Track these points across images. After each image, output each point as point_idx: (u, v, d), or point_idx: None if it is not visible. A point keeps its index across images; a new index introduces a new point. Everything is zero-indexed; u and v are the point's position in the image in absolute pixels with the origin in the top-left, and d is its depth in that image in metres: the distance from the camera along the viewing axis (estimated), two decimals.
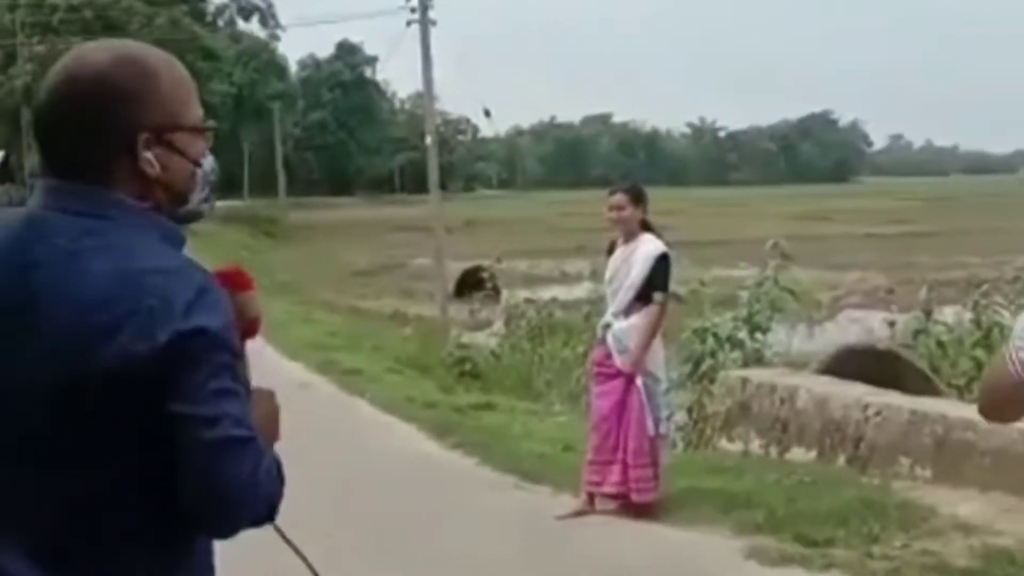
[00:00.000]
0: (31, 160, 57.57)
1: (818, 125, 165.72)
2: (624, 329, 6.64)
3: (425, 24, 26.86)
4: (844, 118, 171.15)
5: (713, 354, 11.57)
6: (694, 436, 9.90)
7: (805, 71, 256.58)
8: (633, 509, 6.65)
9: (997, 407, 2.05)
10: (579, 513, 6.77)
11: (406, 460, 8.62)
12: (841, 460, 7.48)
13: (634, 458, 6.58)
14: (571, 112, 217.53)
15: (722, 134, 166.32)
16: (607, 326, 6.78)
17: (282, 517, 6.56)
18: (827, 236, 47.01)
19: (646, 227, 6.76)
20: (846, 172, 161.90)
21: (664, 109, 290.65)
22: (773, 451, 8.16)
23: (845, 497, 6.43)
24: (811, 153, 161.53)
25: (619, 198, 6.69)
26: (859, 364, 9.39)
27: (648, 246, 6.65)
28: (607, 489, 6.69)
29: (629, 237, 6.72)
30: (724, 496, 6.85)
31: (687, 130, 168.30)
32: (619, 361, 6.64)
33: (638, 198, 6.72)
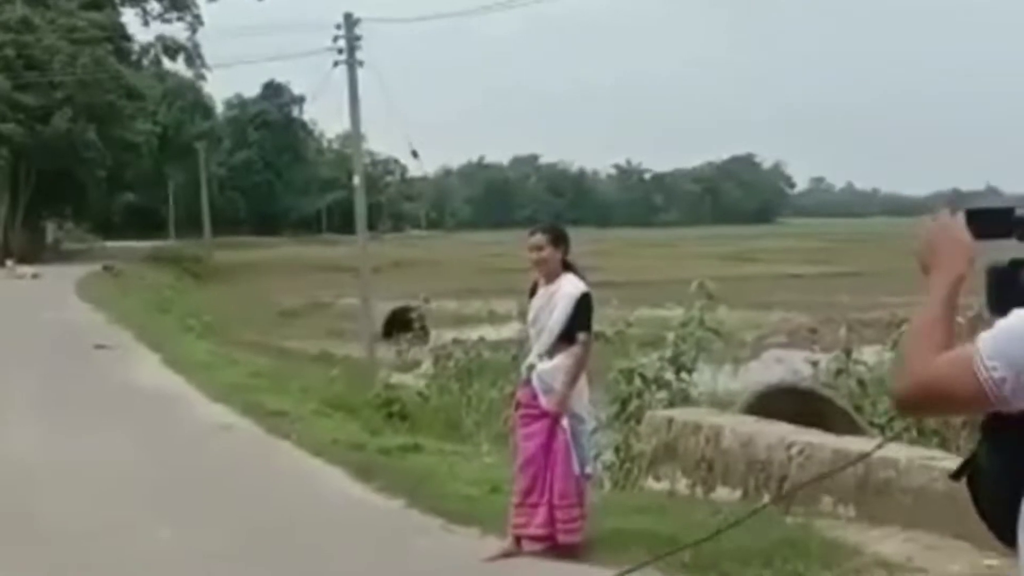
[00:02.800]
0: None
1: (741, 167, 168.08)
2: (548, 370, 6.65)
3: (352, 65, 26.92)
4: (767, 160, 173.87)
5: (640, 394, 11.64)
6: (621, 476, 9.93)
7: (728, 114, 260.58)
8: (560, 550, 6.63)
9: (933, 406, 2.09)
10: (506, 555, 6.74)
11: (332, 503, 8.53)
12: (765, 499, 7.53)
13: (560, 499, 6.57)
14: (500, 153, 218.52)
15: (647, 176, 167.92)
16: (531, 367, 6.78)
17: (202, 562, 6.49)
18: (751, 276, 47.65)
19: (567, 267, 6.79)
20: (769, 213, 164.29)
21: (591, 151, 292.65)
22: (699, 490, 8.21)
23: (770, 536, 6.47)
24: (735, 195, 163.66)
25: (538, 238, 6.72)
26: (783, 403, 9.49)
27: (569, 287, 6.67)
28: (533, 531, 6.67)
29: (551, 278, 6.74)
30: (650, 536, 6.86)
31: (613, 171, 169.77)
32: (544, 401, 6.64)
33: (557, 239, 6.74)
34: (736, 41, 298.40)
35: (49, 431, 11.66)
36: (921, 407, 2.10)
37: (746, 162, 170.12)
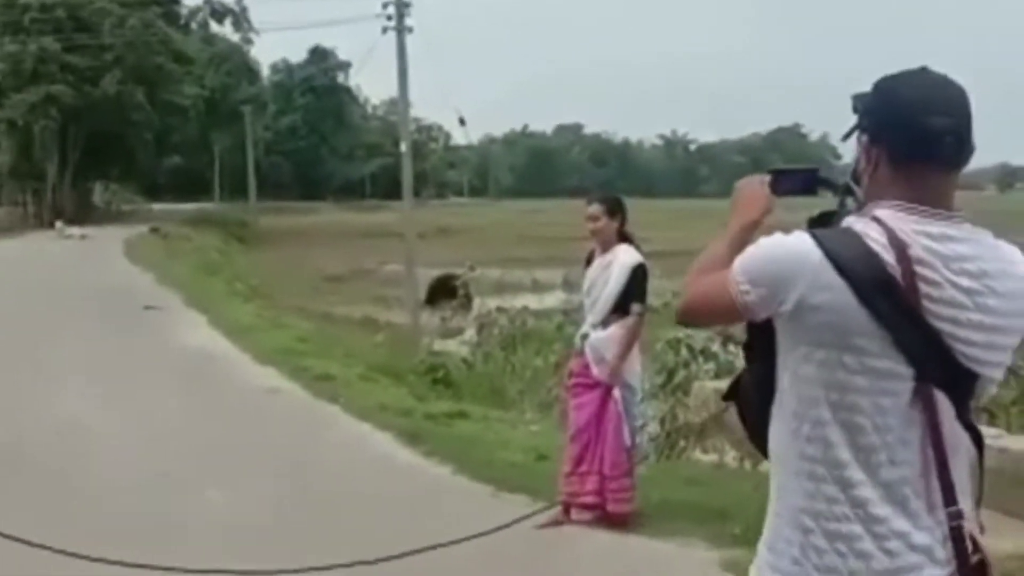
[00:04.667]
0: None
1: (788, 138, 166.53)
2: (602, 340, 6.64)
3: (401, 31, 26.86)
4: (814, 132, 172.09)
5: (687, 365, 11.61)
6: (666, 447, 9.92)
7: (775, 84, 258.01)
8: (609, 520, 6.65)
9: (703, 316, 2.51)
10: (556, 523, 6.76)
11: (381, 468, 8.59)
12: None
13: (611, 469, 6.58)
14: (544, 122, 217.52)
15: (693, 147, 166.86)
16: (585, 336, 6.77)
17: (255, 522, 6.53)
18: None
19: (624, 238, 6.75)
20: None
21: (636, 122, 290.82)
22: (748, 463, 8.18)
23: None
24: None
25: (594, 208, 6.69)
26: None
27: (625, 257, 6.64)
28: (584, 500, 6.68)
29: (606, 248, 6.72)
30: (700, 508, 6.86)
31: (659, 142, 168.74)
32: (596, 371, 6.64)
33: (613, 209, 6.70)
34: (784, 10, 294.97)
35: (100, 391, 11.81)
36: (694, 318, 2.46)
37: (792, 133, 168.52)
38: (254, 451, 9.11)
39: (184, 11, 69.50)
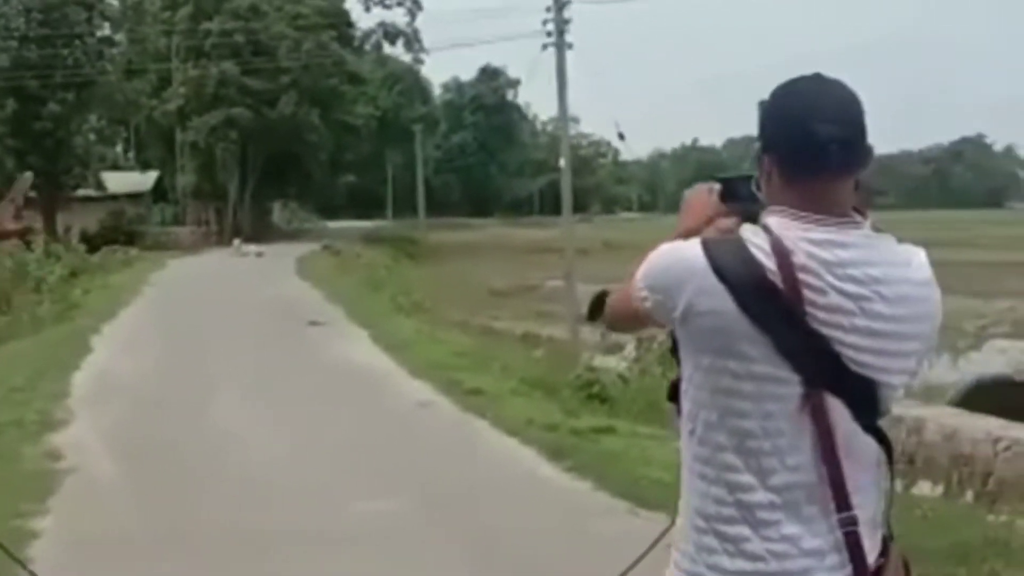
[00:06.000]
0: (184, 180, 59.62)
1: (971, 149, 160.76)
2: None
3: (561, 47, 26.97)
4: (999, 142, 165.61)
5: None
6: None
7: (958, 94, 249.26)
8: None
9: (621, 323, 2.52)
10: None
11: (521, 482, 8.59)
12: (969, 496, 7.18)
13: None
14: (714, 135, 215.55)
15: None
16: None
17: (387, 535, 6.60)
18: (976, 263, 45.50)
19: None
20: (1000, 197, 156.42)
21: None
22: (899, 484, 7.88)
23: (967, 534, 6.15)
24: (964, 178, 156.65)
25: None
26: (997, 396, 9.04)
27: None
28: None
29: None
30: None
31: None
32: None
33: None
34: (960, 14, 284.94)
35: (260, 402, 12.20)
36: (615, 323, 2.52)
37: (976, 144, 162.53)
38: (399, 464, 9.23)
39: (358, 33, 71.21)
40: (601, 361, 20.53)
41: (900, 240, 2.28)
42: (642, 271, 2.29)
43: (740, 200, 2.37)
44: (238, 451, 9.68)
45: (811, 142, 2.16)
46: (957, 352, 20.90)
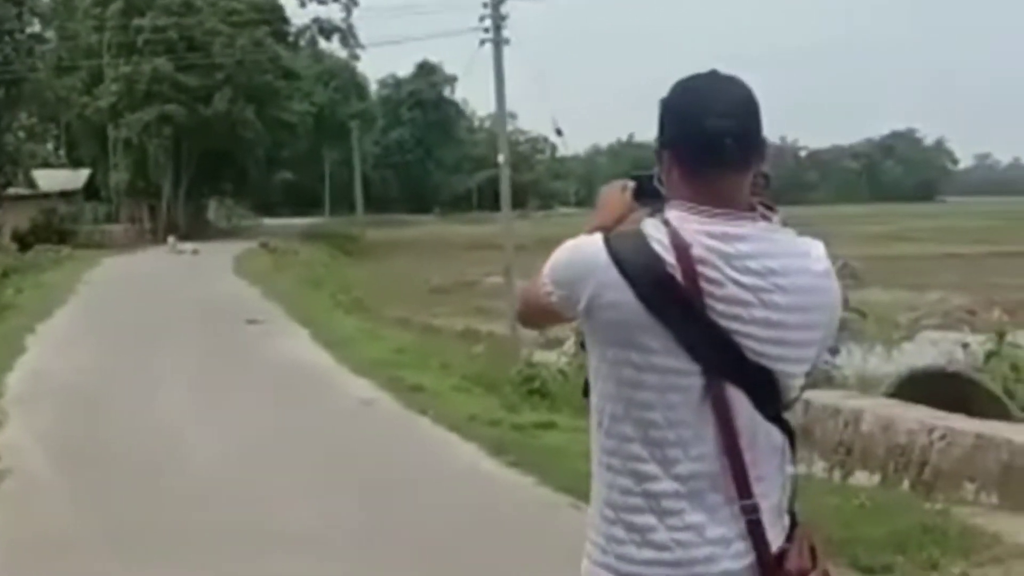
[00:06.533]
0: (117, 177, 58.81)
1: (902, 143, 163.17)
2: None
3: (498, 43, 26.99)
4: (928, 136, 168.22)
5: None
6: None
7: (887, 88, 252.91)
8: None
9: (532, 317, 2.56)
10: None
11: (464, 478, 8.61)
12: (905, 484, 7.31)
13: None
14: (649, 131, 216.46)
15: (803, 152, 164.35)
16: None
17: (330, 531, 6.60)
18: (908, 256, 46.26)
19: None
20: (930, 191, 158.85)
21: None
22: (836, 474, 8.00)
23: (905, 523, 6.27)
24: (894, 172, 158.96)
25: None
26: (930, 387, 9.18)
27: None
28: None
29: None
30: None
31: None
32: None
33: None
34: (887, 9, 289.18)
35: (201, 401, 12.10)
36: (526, 319, 2.58)
37: (907, 138, 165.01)
38: (341, 460, 9.21)
39: (293, 29, 70.69)
40: (541, 357, 20.57)
41: (819, 236, 2.32)
42: (547, 267, 2.33)
43: (652, 197, 2.40)
44: (178, 451, 9.60)
45: (706, 137, 2.21)
46: (891, 344, 21.20)
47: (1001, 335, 11.31)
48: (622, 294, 2.19)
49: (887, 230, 68.03)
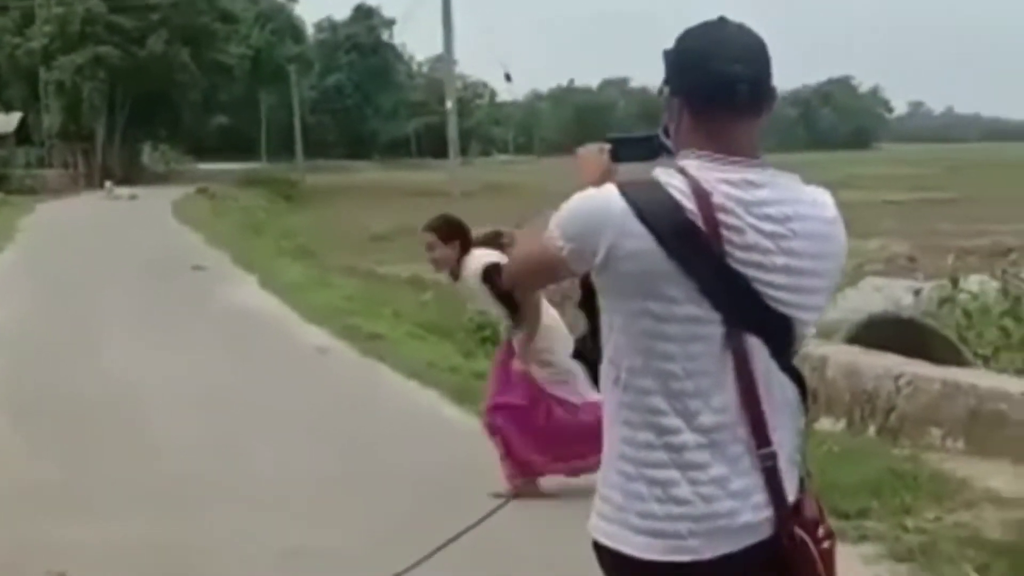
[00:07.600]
0: (49, 121, 57.58)
1: (838, 90, 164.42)
2: None
3: None
4: (864, 84, 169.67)
5: None
6: None
7: (825, 35, 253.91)
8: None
9: (531, 276, 2.59)
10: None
11: (428, 425, 8.56)
12: (871, 431, 7.37)
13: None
14: (590, 76, 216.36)
15: None
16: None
17: (304, 478, 6.50)
18: (848, 203, 46.14)
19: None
20: (866, 139, 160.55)
21: None
22: (802, 421, 8.04)
23: (876, 468, 6.32)
24: (830, 119, 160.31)
25: (427, 237, 6.85)
26: (886, 333, 9.24)
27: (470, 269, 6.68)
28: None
29: (455, 275, 6.82)
30: None
31: None
32: None
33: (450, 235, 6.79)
34: None
35: (151, 349, 11.88)
36: (522, 280, 2.63)
37: (843, 85, 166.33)
38: (303, 408, 9.11)
39: None
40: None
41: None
42: (557, 220, 2.29)
43: (632, 159, 2.44)
44: (131, 401, 9.40)
45: (719, 81, 2.20)
46: (837, 290, 21.39)
47: (955, 281, 11.41)
48: (643, 242, 2.17)
49: (828, 177, 68.42)
